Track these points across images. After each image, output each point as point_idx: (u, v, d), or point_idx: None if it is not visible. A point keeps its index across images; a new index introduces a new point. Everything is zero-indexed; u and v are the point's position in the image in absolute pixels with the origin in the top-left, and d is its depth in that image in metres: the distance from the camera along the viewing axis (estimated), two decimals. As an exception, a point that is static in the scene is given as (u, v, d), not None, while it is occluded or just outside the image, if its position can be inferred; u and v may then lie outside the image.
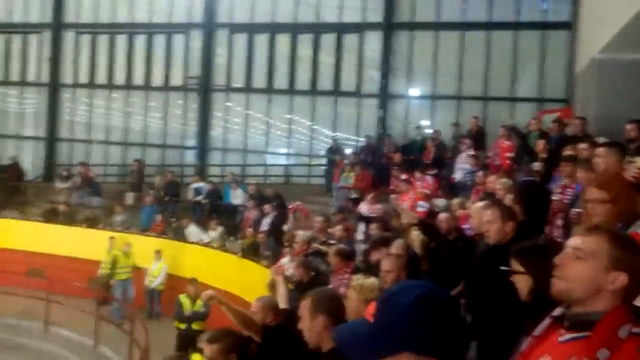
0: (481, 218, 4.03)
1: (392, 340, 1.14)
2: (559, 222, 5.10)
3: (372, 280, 3.26)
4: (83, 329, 10.43)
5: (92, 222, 13.82)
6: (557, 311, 1.61)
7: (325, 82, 15.65)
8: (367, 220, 9.58)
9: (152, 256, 11.75)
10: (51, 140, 17.94)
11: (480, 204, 4.76)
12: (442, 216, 5.82)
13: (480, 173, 8.31)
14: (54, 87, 17.87)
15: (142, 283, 11.76)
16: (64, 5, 17.76)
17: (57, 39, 17.76)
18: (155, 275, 11.65)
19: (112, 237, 12.11)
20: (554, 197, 5.12)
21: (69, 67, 17.92)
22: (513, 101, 13.96)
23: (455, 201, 7.38)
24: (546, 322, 1.62)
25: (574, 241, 1.60)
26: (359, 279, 3.30)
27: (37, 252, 12.87)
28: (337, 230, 8.27)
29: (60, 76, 17.93)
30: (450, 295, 1.23)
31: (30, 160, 17.92)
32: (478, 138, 11.44)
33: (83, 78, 17.84)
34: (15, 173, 16.21)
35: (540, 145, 8.18)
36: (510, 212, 3.68)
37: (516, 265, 2.35)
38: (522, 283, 2.29)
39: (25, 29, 18.28)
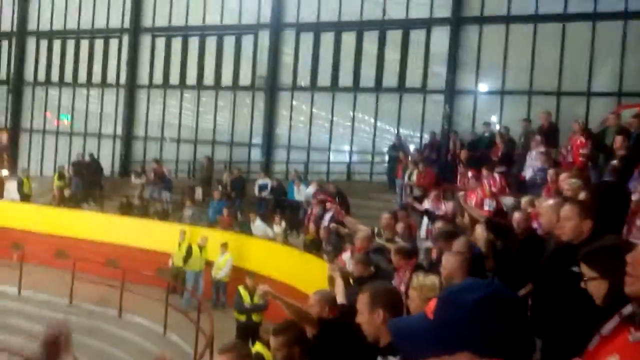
0: (555, 215, 3.84)
1: (451, 339, 1.10)
2: (639, 222, 4.79)
3: (432, 279, 3.23)
4: (153, 316, 10.93)
5: (163, 216, 14.46)
6: (627, 310, 1.52)
7: (390, 78, 15.52)
8: (432, 216, 9.42)
9: (219, 249, 12.11)
10: (128, 138, 18.92)
11: (551, 201, 4.55)
12: (516, 216, 5.61)
13: (551, 171, 7.93)
14: (131, 88, 18.85)
15: (209, 275, 12.16)
16: (141, 11, 18.68)
17: (134, 43, 18.73)
18: (221, 267, 12.00)
19: (183, 231, 12.58)
20: (633, 197, 4.82)
21: (145, 68, 18.84)
22: (589, 96, 13.23)
23: (525, 199, 7.09)
24: (615, 320, 1.53)
25: None
26: (419, 279, 3.27)
27: (112, 243, 13.62)
28: (400, 227, 8.20)
29: (137, 77, 18.89)
30: (516, 296, 1.17)
31: (108, 157, 18.97)
32: (550, 134, 10.93)
33: (157, 79, 18.70)
34: (94, 169, 17.24)
35: (618, 141, 7.70)
36: (589, 210, 3.48)
37: (586, 270, 2.23)
38: (597, 288, 2.17)
39: (107, 33, 19.39)
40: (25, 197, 16.12)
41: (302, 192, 13.61)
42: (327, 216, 11.03)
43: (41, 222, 14.41)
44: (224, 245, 11.99)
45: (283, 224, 12.76)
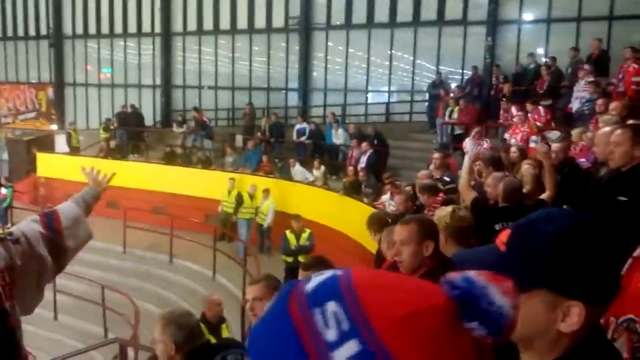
0: (608, 141, 3.69)
1: (526, 274, 0.98)
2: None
3: (445, 209, 3.27)
4: (202, 261, 11.36)
5: (205, 164, 14.73)
6: None
7: (428, 11, 14.86)
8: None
9: (261, 195, 12.30)
10: (166, 87, 19.10)
11: (608, 128, 4.38)
12: (556, 146, 5.46)
13: (600, 101, 7.52)
14: (167, 36, 18.83)
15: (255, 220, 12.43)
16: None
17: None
18: (265, 213, 12.23)
19: (232, 179, 12.76)
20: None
21: (179, 15, 18.70)
22: (645, 19, 12.29)
23: (576, 131, 6.83)
24: None
25: None
26: (436, 212, 3.27)
27: (160, 192, 14.03)
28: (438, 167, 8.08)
29: (172, 25, 18.81)
30: (603, 227, 1.03)
31: (150, 107, 19.27)
32: (600, 63, 10.32)
33: (191, 25, 18.56)
34: (137, 120, 17.56)
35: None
36: None
37: None
38: None
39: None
40: (74, 150, 16.69)
41: (340, 136, 13.53)
42: (363, 158, 10.99)
43: (114, 179, 14.94)
44: (266, 191, 12.16)
45: (322, 167, 12.78)
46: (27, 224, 1.81)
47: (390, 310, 0.66)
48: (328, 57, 16.80)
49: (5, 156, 19.48)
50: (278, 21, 17.13)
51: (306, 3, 16.36)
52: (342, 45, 16.44)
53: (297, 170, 13.03)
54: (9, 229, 1.73)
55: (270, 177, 13.27)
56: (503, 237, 1.10)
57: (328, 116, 14.65)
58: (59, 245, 1.80)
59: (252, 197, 12.35)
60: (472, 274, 0.81)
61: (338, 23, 16.30)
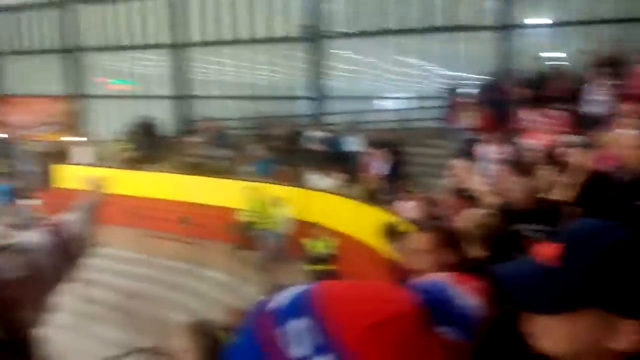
0: (629, 144, 3.69)
1: (578, 292, 0.91)
2: None
3: (471, 213, 3.31)
4: (225, 270, 11.46)
5: (221, 173, 14.87)
6: None
7: (440, 17, 14.91)
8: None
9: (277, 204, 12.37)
10: (180, 98, 19.32)
11: (629, 131, 4.39)
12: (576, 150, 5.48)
13: (617, 104, 7.51)
14: (181, 48, 19.08)
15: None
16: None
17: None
18: (281, 221, 12.30)
19: (251, 188, 12.78)
20: None
21: (196, 26, 18.83)
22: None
23: (601, 135, 6.80)
24: None
25: None
26: (462, 216, 3.31)
27: (182, 201, 14.15)
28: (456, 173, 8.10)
29: (188, 36, 19.01)
30: None
31: (164, 117, 19.48)
32: (616, 65, 10.26)
33: (206, 35, 18.70)
34: (153, 131, 17.80)
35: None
36: None
37: None
38: None
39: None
40: (93, 161, 16.96)
41: (354, 143, 13.60)
42: (379, 165, 11.02)
43: (114, 185, 15.13)
44: (281, 200, 12.24)
45: (338, 175, 12.85)
46: (35, 234, 1.88)
47: (358, 320, 0.68)
48: (339, 65, 16.89)
49: (29, 168, 19.87)
50: (293, 30, 17.28)
51: (316, 12, 16.48)
52: (354, 52, 16.54)
53: (312, 178, 13.12)
54: (13, 240, 1.80)
55: (286, 185, 13.36)
56: (544, 250, 0.99)
57: (343, 124, 14.72)
58: (69, 253, 1.87)
59: (269, 205, 12.45)
60: (438, 277, 0.83)
61: (348, 31, 16.41)
